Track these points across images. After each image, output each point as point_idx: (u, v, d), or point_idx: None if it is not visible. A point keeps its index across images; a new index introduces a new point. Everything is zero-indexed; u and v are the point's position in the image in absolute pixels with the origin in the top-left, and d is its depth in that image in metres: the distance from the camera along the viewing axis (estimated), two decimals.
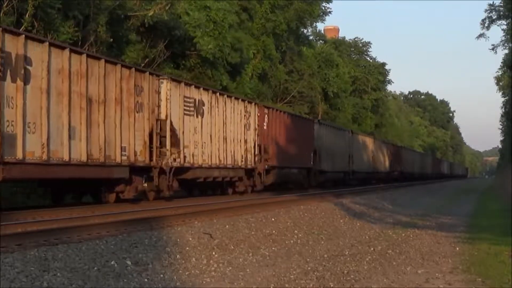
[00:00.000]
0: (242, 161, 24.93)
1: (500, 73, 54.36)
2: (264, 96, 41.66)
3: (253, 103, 26.72)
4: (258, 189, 26.69)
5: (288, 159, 29.92)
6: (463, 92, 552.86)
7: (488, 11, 39.33)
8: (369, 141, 51.26)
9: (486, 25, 39.24)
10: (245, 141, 25.35)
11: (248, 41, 36.90)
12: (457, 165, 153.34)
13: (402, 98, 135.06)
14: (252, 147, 26.05)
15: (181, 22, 29.90)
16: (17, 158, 13.28)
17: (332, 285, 8.79)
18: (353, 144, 44.46)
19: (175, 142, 19.83)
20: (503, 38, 40.88)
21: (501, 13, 38.98)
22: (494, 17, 39.25)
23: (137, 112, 17.85)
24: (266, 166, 26.96)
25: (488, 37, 38.88)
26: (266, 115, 27.58)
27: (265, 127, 27.35)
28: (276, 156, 28.27)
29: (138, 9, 26.36)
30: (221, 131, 23.23)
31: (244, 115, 25.33)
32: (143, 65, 25.64)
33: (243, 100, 25.77)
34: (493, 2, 39.73)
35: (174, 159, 19.56)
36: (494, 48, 40.71)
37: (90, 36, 23.34)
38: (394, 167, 60.78)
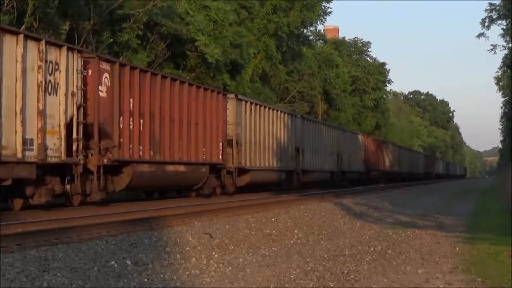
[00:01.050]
0: (29, 149, 14.13)
1: (500, 73, 54.35)
2: (265, 97, 41.69)
3: (65, 47, 15.50)
4: (94, 200, 16.69)
5: (168, 151, 19.84)
6: (463, 92, 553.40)
7: (488, 11, 39.33)
8: (331, 132, 38.92)
9: (486, 24, 39.24)
10: (41, 114, 14.52)
11: (249, 37, 36.85)
12: (454, 164, 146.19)
13: (402, 98, 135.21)
14: (62, 125, 15.26)
15: (181, 22, 29.92)
16: None
17: (332, 285, 8.78)
18: (304, 133, 33.56)
19: None
20: (503, 38, 40.92)
21: (501, 12, 38.96)
22: (494, 17, 39.25)
23: None
24: (106, 160, 16.89)
25: (488, 36, 38.78)
26: (106, 74, 17.07)
27: (103, 94, 16.94)
28: (136, 144, 18.27)
29: (137, 7, 26.39)
30: None
31: (39, 67, 14.46)
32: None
33: (35, 39, 14.66)
34: (493, 1, 39.77)
35: None
36: (493, 48, 40.71)
37: (89, 35, 23.39)
38: (372, 166, 49.75)
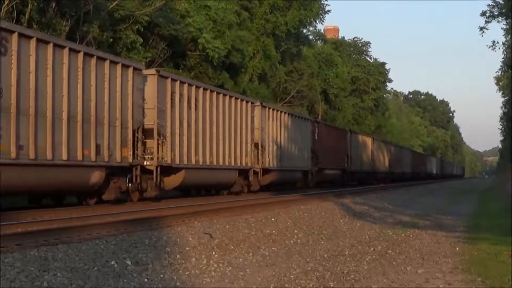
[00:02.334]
0: None
1: (500, 73, 54.40)
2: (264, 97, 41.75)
3: None
4: None
5: None
6: (463, 92, 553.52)
7: (491, 6, 39.21)
8: (274, 116, 28.29)
9: (487, 15, 38.99)
10: None
11: (249, 38, 36.88)
12: (451, 163, 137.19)
13: (402, 98, 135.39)
14: None
15: (181, 22, 29.95)
16: None
17: (332, 285, 8.78)
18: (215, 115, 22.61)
19: None
20: (503, 37, 40.89)
21: (503, 10, 38.89)
22: (495, 13, 39.14)
23: None
24: None
25: (488, 29, 38.51)
26: None
27: None
28: None
29: (137, 8, 26.39)
30: None
31: None
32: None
33: None
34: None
35: None
36: (493, 45, 40.62)
37: (89, 35, 23.42)
38: (328, 163, 36.85)
